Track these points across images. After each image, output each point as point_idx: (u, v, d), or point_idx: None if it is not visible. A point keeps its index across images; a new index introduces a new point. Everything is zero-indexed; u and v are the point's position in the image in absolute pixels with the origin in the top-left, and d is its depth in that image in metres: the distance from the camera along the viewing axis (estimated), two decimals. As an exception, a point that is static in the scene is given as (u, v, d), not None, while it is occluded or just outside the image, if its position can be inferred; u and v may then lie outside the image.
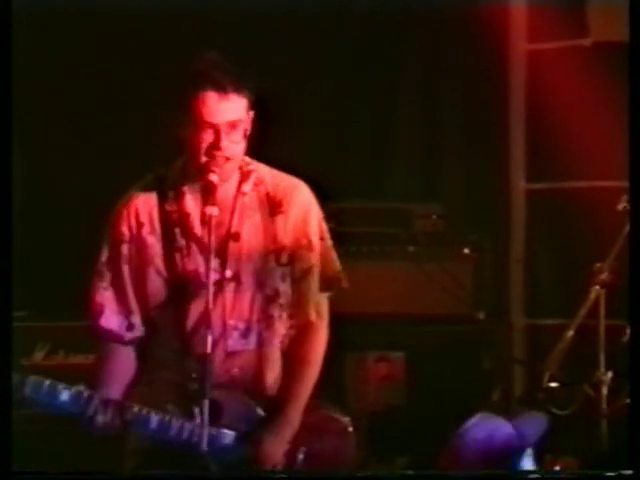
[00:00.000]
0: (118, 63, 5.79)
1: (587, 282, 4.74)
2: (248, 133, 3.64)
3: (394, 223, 5.58)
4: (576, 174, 5.87)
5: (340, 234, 4.04)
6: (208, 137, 3.53)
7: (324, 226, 3.83)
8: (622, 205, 4.63)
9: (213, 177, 3.56)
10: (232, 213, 3.71)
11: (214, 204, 3.58)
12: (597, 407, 4.68)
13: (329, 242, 3.84)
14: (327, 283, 3.85)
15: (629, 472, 3.30)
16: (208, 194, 3.60)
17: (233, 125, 3.53)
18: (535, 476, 3.78)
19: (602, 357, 4.70)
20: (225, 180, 3.62)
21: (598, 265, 4.66)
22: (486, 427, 4.53)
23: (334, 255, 3.85)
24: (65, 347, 5.15)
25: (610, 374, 4.69)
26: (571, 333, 4.70)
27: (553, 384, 4.76)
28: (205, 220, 3.60)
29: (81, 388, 3.60)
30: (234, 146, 3.55)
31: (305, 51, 5.91)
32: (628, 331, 4.80)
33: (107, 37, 5.85)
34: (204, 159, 3.54)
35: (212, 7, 5.58)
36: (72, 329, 5.04)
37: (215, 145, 3.52)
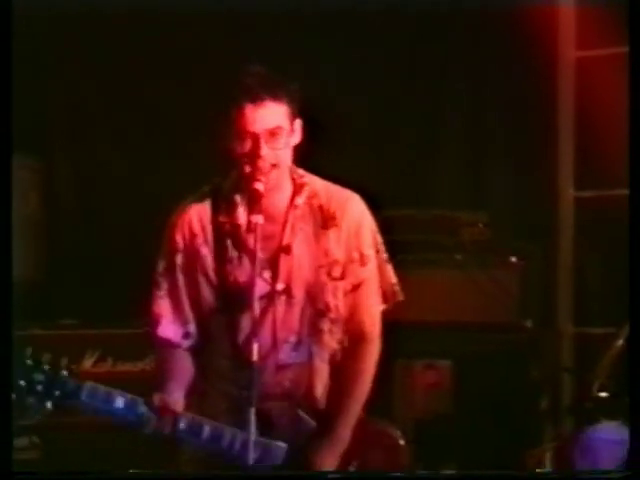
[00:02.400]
0: (167, 75, 5.85)
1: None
2: (297, 141, 3.66)
3: (441, 231, 5.58)
4: (624, 182, 5.89)
5: (388, 242, 3.99)
6: (248, 146, 3.56)
7: (379, 238, 3.84)
8: None
9: (258, 185, 3.57)
10: (284, 225, 3.73)
11: (260, 212, 3.60)
12: None
13: (384, 255, 3.84)
14: (383, 296, 3.84)
15: (629, 472, 3.23)
16: (254, 203, 3.62)
17: (272, 132, 3.55)
18: (534, 476, 3.65)
19: None
20: (273, 189, 3.62)
21: None
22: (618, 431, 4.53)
23: (389, 268, 3.84)
24: (113, 354, 5.23)
25: None
26: (620, 342, 4.71)
27: (602, 394, 4.74)
28: (251, 228, 3.64)
29: (136, 397, 3.67)
30: (277, 153, 3.57)
31: (353, 61, 5.89)
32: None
33: (156, 52, 5.87)
34: (248, 168, 3.57)
35: (259, 13, 5.55)
36: (120, 337, 5.15)
37: (256, 153, 3.54)
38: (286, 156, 3.63)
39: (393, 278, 3.84)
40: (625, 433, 4.07)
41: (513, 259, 5.50)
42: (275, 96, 3.52)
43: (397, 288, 3.86)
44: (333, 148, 4.99)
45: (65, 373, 3.60)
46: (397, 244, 4.79)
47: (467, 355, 5.40)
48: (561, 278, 5.99)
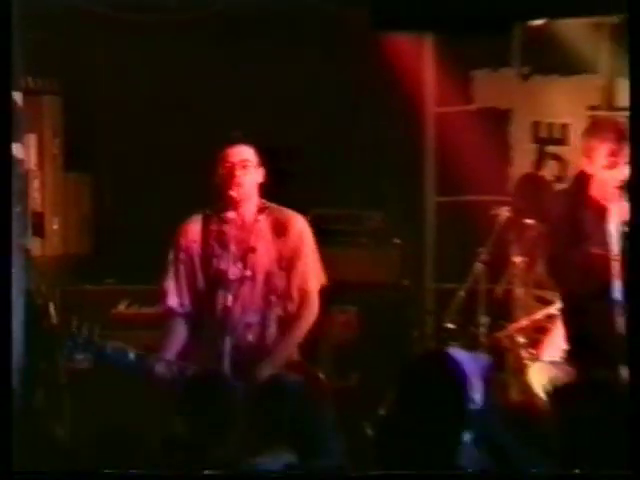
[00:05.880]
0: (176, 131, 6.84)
1: (473, 260, 6.13)
2: (261, 176, 4.76)
3: (353, 223, 6.79)
4: (469, 191, 7.08)
5: (318, 231, 5.17)
6: (228, 170, 4.67)
7: (312, 242, 4.89)
8: (496, 212, 6.15)
9: (233, 193, 4.64)
10: (251, 233, 4.77)
11: (235, 224, 4.67)
12: (477, 340, 6.01)
13: (316, 255, 4.91)
14: (315, 279, 4.88)
15: (629, 472, 3.17)
16: (230, 209, 4.68)
17: (243, 163, 4.69)
18: (534, 476, 3.50)
19: (482, 308, 6.09)
20: (244, 199, 4.69)
21: (480, 249, 6.13)
22: (460, 352, 5.25)
23: (319, 264, 4.92)
24: (139, 302, 6.35)
25: (487, 318, 6.07)
26: (462, 293, 6.18)
27: (451, 325, 6.19)
28: (228, 235, 4.68)
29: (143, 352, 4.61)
30: (247, 176, 4.68)
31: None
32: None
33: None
34: (227, 184, 4.66)
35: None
36: (144, 290, 6.12)
37: (232, 174, 4.67)
38: (252, 178, 4.72)
39: (321, 269, 4.91)
40: (464, 354, 4.92)
41: (397, 241, 6.76)
42: (246, 143, 4.72)
43: (324, 275, 4.91)
44: (288, 180, 5.89)
45: (97, 335, 4.58)
46: (323, 232, 5.69)
47: (368, 303, 6.54)
48: (426, 252, 7.33)
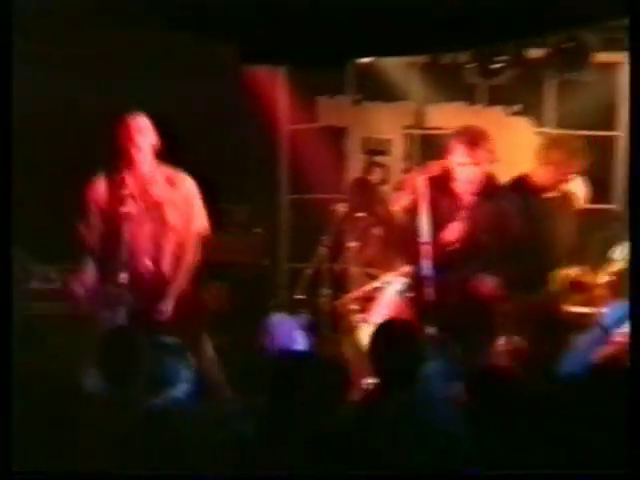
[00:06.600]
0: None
1: (317, 245, 6.56)
2: (154, 139, 5.22)
3: (226, 216, 7.32)
4: (314, 191, 7.77)
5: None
6: (128, 135, 5.12)
7: (198, 196, 5.32)
8: (335, 207, 6.59)
9: (133, 153, 5.17)
10: (148, 184, 5.30)
11: (135, 172, 5.12)
12: (320, 307, 6.46)
13: (201, 205, 5.36)
14: (200, 224, 5.31)
15: (629, 472, 2.98)
16: (131, 164, 5.21)
17: (140, 129, 5.18)
18: (534, 476, 3.20)
19: (324, 283, 6.60)
20: (142, 157, 5.18)
21: (323, 237, 6.59)
22: (287, 319, 5.60)
23: (203, 212, 5.36)
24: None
25: (328, 291, 6.55)
26: (309, 271, 6.68)
27: (300, 297, 6.70)
28: (128, 182, 5.11)
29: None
30: (143, 139, 5.20)
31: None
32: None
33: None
34: (128, 146, 5.17)
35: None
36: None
37: (132, 138, 5.18)
38: (148, 143, 5.23)
39: (204, 216, 5.34)
40: (288, 318, 5.13)
41: (258, 230, 7.53)
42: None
43: (205, 220, 5.28)
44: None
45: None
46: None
47: (236, 279, 7.19)
48: (281, 239, 8.02)
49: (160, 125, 5.27)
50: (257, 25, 5.86)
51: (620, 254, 5.87)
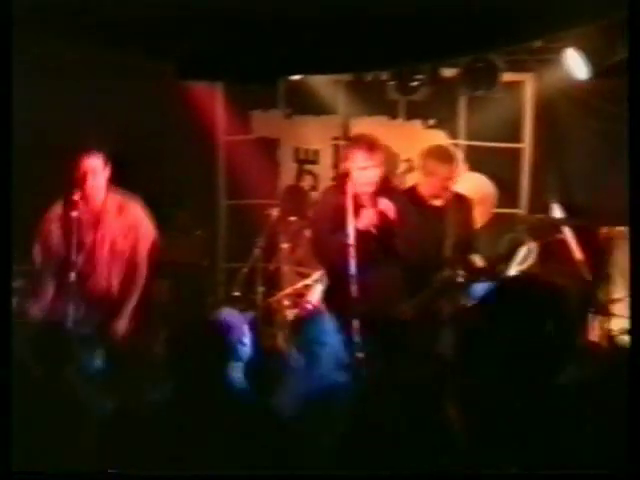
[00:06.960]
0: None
1: (253, 246, 7.00)
2: (107, 174, 5.48)
3: (174, 220, 7.46)
4: (249, 196, 8.17)
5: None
6: (82, 175, 5.40)
7: (147, 219, 5.61)
8: (269, 212, 7.04)
9: (86, 190, 5.47)
10: (100, 213, 5.63)
11: (88, 203, 5.38)
12: (255, 304, 6.83)
13: (151, 228, 5.67)
14: (147, 246, 5.66)
15: (629, 472, 2.87)
16: (84, 198, 5.48)
17: (93, 169, 5.51)
18: (534, 476, 2.96)
19: (259, 281, 7.04)
20: (95, 193, 5.44)
21: (258, 239, 7.07)
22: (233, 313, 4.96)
23: (151, 234, 5.69)
24: None
25: (263, 288, 6.95)
26: (245, 270, 7.11)
27: (237, 294, 7.10)
28: (81, 213, 5.35)
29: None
30: (96, 178, 5.54)
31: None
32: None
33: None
34: (81, 184, 5.46)
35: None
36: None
37: (85, 178, 5.48)
38: (101, 181, 5.58)
39: (151, 238, 5.66)
40: (235, 313, 4.78)
41: (199, 232, 7.72)
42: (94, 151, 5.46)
43: (153, 242, 5.61)
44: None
45: None
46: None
47: (178, 277, 7.38)
48: (220, 241, 8.29)
49: (103, 142, 5.58)
50: (194, 42, 6.02)
51: (522, 256, 6.54)
